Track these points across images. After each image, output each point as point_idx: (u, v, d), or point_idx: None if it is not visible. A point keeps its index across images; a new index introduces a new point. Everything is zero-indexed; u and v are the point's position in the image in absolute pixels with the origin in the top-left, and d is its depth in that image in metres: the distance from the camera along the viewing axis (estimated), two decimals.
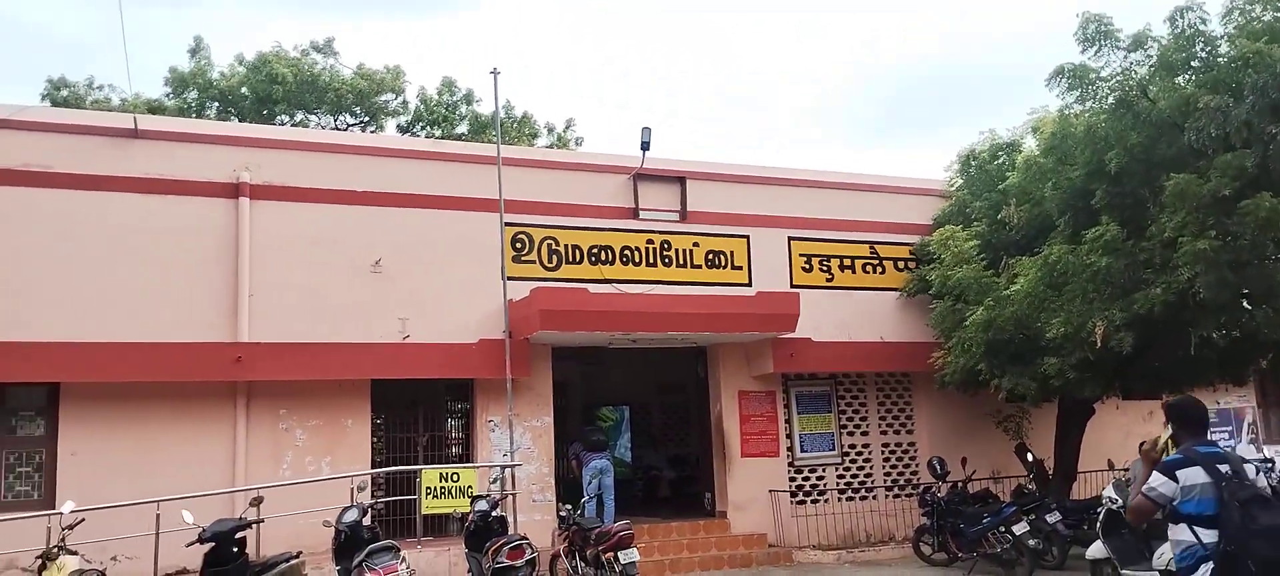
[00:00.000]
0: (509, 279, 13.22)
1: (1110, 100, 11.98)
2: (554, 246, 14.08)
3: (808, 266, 15.64)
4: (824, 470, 15.47)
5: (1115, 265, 11.65)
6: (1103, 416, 15.45)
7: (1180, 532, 5.07)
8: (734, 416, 14.94)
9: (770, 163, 17.20)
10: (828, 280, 15.71)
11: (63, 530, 9.07)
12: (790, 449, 15.31)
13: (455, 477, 11.88)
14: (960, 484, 13.73)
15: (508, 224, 13.39)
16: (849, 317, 15.51)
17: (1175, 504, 5.10)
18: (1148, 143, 11.62)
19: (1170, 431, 5.68)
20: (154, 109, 23.18)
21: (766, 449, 15.01)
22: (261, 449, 12.12)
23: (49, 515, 9.87)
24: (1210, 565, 4.92)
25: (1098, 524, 11.14)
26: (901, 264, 16.18)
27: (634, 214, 14.69)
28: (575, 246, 14.21)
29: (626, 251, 14.50)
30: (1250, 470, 5.18)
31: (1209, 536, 4.97)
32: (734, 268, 15.13)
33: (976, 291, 13.55)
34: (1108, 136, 11.92)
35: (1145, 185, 11.83)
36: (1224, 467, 5.04)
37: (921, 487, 14.37)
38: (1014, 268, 13.15)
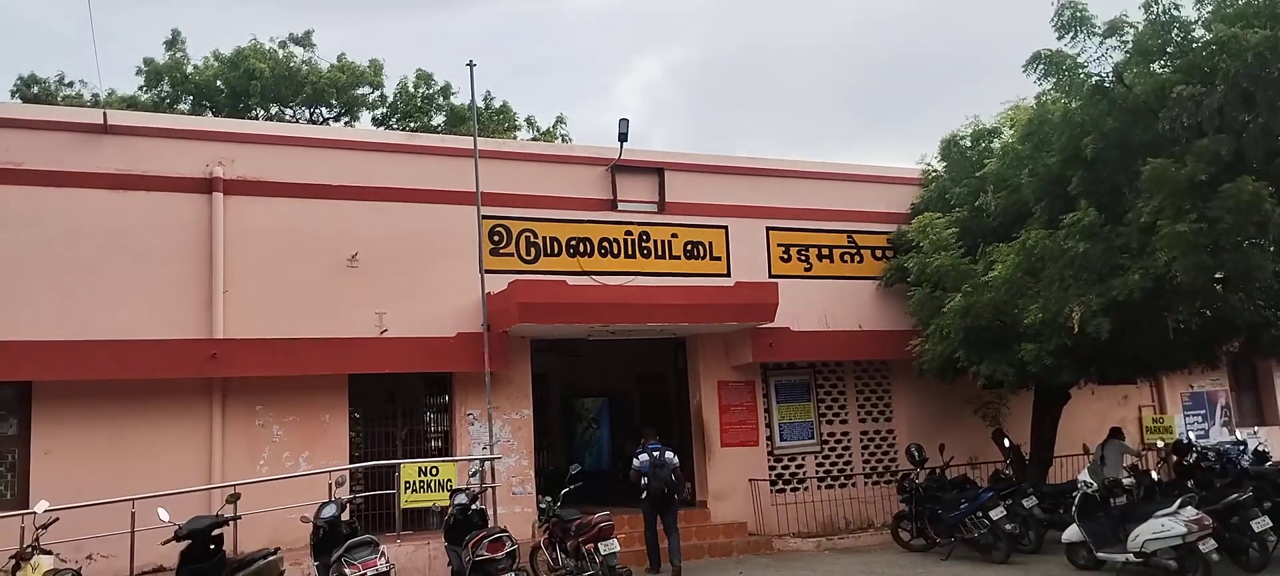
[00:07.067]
0: (487, 272, 13.15)
1: (1086, 87, 12.02)
2: (532, 239, 14.01)
3: (786, 256, 15.63)
4: (803, 458, 15.50)
5: (1092, 250, 11.72)
6: (1078, 402, 15.57)
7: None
8: (713, 406, 14.95)
9: (748, 153, 17.28)
10: (806, 270, 15.73)
11: (37, 529, 8.94)
12: (770, 438, 15.33)
13: (434, 471, 11.81)
14: (938, 470, 13.75)
15: (485, 216, 13.31)
16: (827, 307, 15.52)
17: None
18: (1123, 128, 11.71)
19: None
20: (130, 104, 22.92)
21: (746, 438, 15.01)
22: (238, 445, 12.01)
23: (22, 515, 9.74)
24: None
25: (1073, 507, 11.26)
26: (879, 253, 16.18)
27: (612, 205, 14.63)
28: (553, 238, 14.15)
29: (605, 243, 14.45)
30: None
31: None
32: (713, 258, 15.10)
33: (955, 278, 13.60)
34: (1084, 122, 11.99)
35: (1121, 171, 11.92)
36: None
37: (900, 474, 14.39)
38: (991, 254, 13.19)
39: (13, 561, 8.75)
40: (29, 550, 8.74)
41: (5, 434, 11.32)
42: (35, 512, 9.18)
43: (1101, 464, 12.42)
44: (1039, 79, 12.56)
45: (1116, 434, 14.40)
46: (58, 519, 9.17)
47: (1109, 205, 12.05)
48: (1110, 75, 11.94)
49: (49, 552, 8.80)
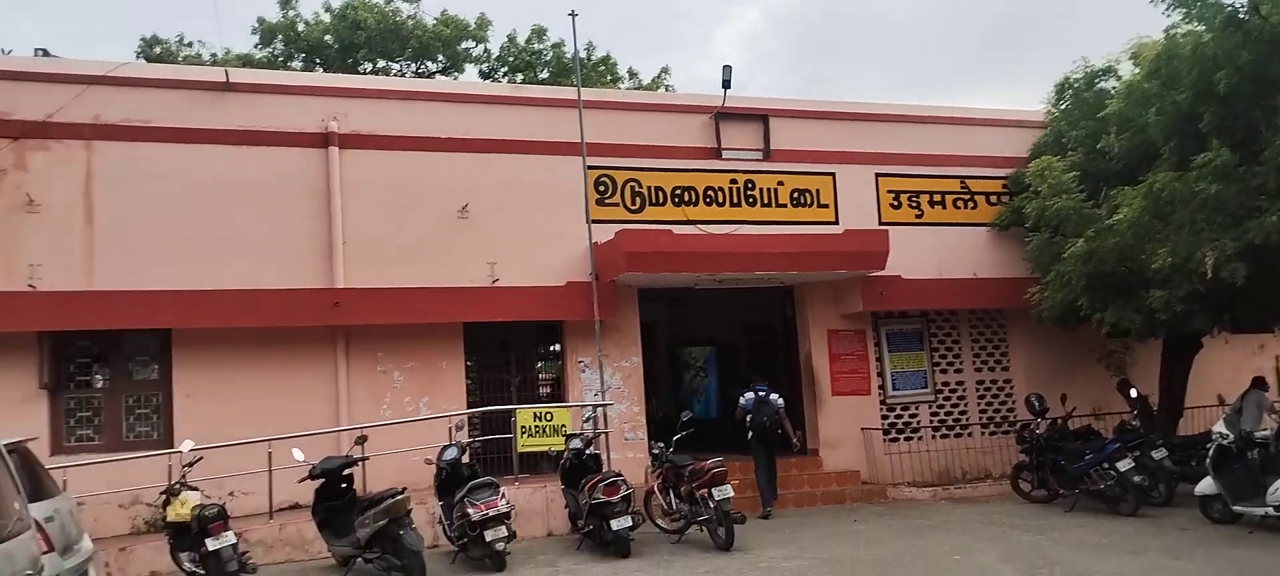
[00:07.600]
0: (593, 222, 13.40)
1: (1219, 18, 11.48)
2: (637, 188, 14.15)
3: (896, 203, 15.48)
4: (917, 408, 15.43)
5: (1226, 192, 11.23)
6: (1210, 350, 15.00)
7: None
8: (824, 355, 14.97)
9: (855, 98, 16.97)
10: (917, 216, 15.57)
11: (183, 467, 9.61)
12: (882, 387, 15.31)
13: (549, 417, 12.16)
14: (1060, 421, 13.46)
15: (590, 167, 13.52)
16: (940, 254, 15.36)
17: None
18: (1259, 61, 11.12)
19: None
20: (245, 62, 23.82)
21: (857, 387, 15.02)
22: (362, 390, 12.57)
23: (169, 453, 10.44)
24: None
25: (1207, 460, 10.95)
26: (993, 198, 15.90)
27: (717, 154, 14.63)
28: (658, 188, 14.25)
29: (710, 192, 14.49)
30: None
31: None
32: (820, 206, 15.02)
33: (1076, 222, 13.21)
34: (1216, 56, 11.40)
35: (1257, 107, 11.35)
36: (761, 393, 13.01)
37: (1019, 425, 14.18)
38: (1115, 198, 12.77)
39: (164, 497, 9.47)
40: (178, 486, 9.41)
41: (149, 378, 12.09)
42: (181, 451, 9.84)
43: (1238, 414, 11.99)
44: (1167, 10, 12.05)
45: (1259, 384, 13.84)
46: (202, 457, 9.82)
47: (1244, 143, 11.48)
48: (1245, 5, 11.38)
49: (195, 489, 9.47)
